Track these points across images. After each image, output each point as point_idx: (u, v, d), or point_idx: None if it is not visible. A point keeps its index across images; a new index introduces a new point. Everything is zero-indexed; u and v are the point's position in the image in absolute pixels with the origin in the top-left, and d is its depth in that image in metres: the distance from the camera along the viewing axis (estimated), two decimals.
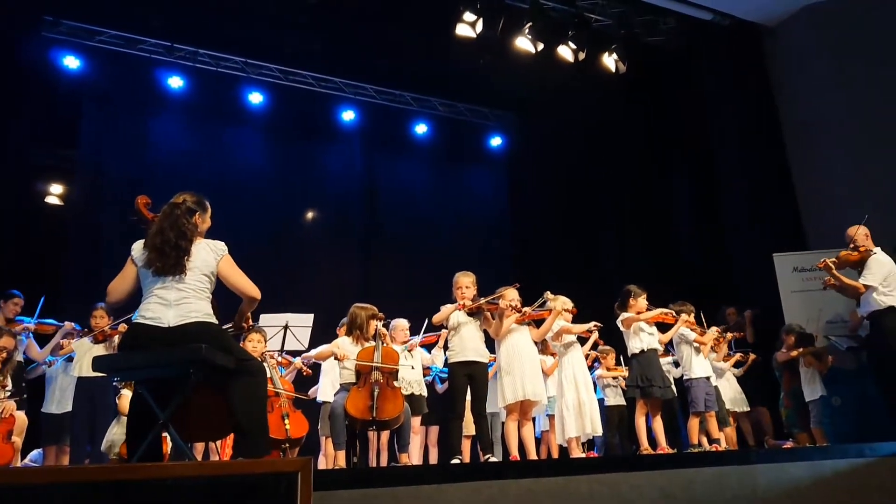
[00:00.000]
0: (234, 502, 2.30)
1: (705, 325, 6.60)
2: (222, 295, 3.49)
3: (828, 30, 8.80)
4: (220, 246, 3.43)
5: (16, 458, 4.87)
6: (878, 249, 6.05)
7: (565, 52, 8.88)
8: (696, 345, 6.19)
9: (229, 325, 3.71)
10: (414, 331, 6.69)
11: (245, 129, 9.88)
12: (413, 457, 6.10)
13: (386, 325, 6.03)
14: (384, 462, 6.35)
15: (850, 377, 7.06)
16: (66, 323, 6.05)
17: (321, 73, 9.99)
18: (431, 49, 9.00)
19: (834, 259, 6.10)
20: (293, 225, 9.92)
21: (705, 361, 6.23)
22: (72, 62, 8.63)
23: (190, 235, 3.34)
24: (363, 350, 5.23)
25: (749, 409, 7.35)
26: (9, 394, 4.95)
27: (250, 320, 3.74)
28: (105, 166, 8.80)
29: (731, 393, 7.22)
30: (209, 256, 3.36)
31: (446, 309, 5.28)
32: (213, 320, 3.31)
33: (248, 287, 3.43)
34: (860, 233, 6.12)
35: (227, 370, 3.21)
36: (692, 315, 6.33)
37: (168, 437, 4.01)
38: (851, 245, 6.15)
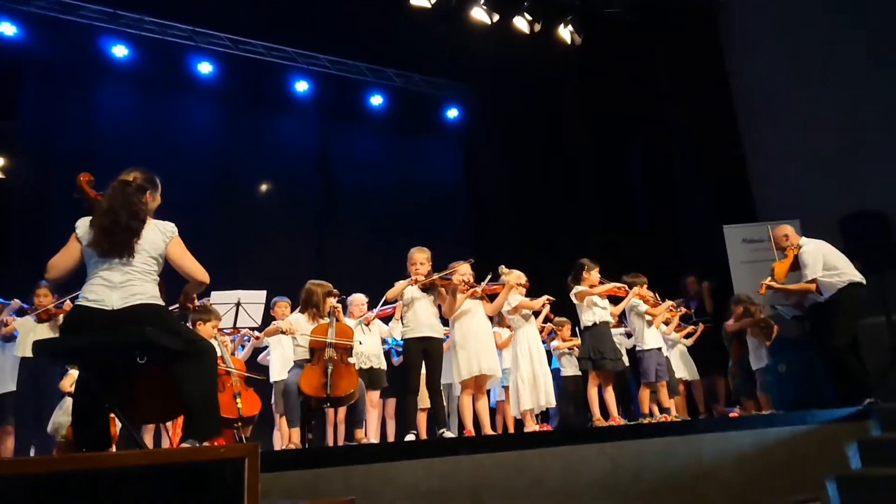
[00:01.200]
0: (182, 489, 2.27)
1: (657, 297, 6.70)
2: (168, 275, 3.41)
3: (778, 5, 8.89)
4: (170, 227, 3.33)
5: None
6: (803, 240, 6.13)
7: (521, 23, 8.83)
8: (647, 317, 6.30)
9: (175, 306, 3.63)
10: (371, 305, 6.66)
11: (195, 100, 9.61)
12: (371, 430, 6.12)
13: (343, 302, 5.98)
14: (341, 437, 6.36)
15: (796, 345, 7.27)
16: (14, 301, 5.83)
17: (273, 43, 9.73)
18: (387, 19, 8.85)
19: (770, 279, 6.19)
20: (246, 198, 9.72)
21: (657, 332, 6.36)
22: (7, 29, 8.22)
23: (142, 216, 3.24)
24: (317, 327, 5.19)
25: (699, 377, 7.54)
26: None
27: (196, 301, 3.66)
28: (48, 138, 8.45)
29: (682, 362, 7.39)
30: (158, 238, 3.26)
31: (399, 285, 5.28)
32: (160, 302, 3.23)
33: (196, 271, 3.34)
34: (779, 235, 6.25)
35: (175, 352, 3.15)
36: (644, 287, 6.44)
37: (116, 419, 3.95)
38: (779, 250, 6.29)
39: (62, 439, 5.00)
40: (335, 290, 5.51)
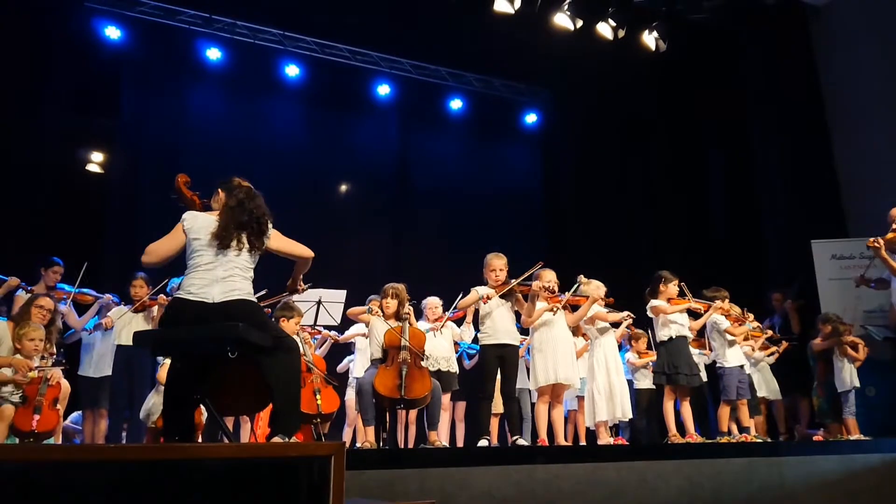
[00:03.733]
0: (269, 483, 2.36)
1: (744, 311, 6.50)
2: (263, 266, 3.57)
3: (876, 11, 8.52)
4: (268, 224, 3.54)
5: (60, 424, 5.03)
6: None
7: (605, 29, 8.73)
8: (728, 336, 6.12)
9: (284, 293, 3.81)
10: (445, 308, 6.71)
11: (281, 102, 9.90)
12: (441, 433, 6.16)
13: (416, 305, 6.05)
14: (412, 437, 6.43)
15: (886, 368, 6.95)
16: (106, 295, 6.15)
17: (357, 47, 9.94)
18: (468, 24, 8.90)
19: (882, 239, 5.93)
20: (327, 199, 9.95)
21: (739, 349, 6.17)
22: (113, 32, 8.69)
23: (270, 219, 3.49)
24: (391, 329, 5.26)
25: (781, 397, 7.28)
26: (53, 361, 5.09)
27: (302, 284, 3.88)
28: (144, 136, 8.88)
29: (764, 380, 7.15)
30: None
31: (473, 295, 5.29)
32: (254, 299, 3.40)
33: (302, 251, 3.61)
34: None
35: (263, 347, 3.27)
36: (726, 301, 6.26)
37: (203, 408, 4.13)
38: (894, 226, 6.01)
39: (152, 425, 5.25)
40: (408, 296, 5.57)
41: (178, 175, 3.67)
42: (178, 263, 3.52)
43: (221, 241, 3.30)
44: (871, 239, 6.03)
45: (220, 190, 3.55)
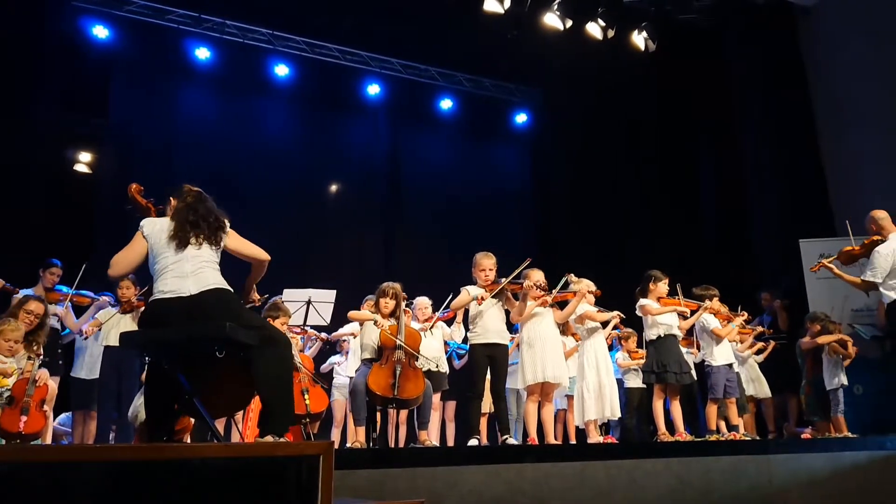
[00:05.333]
0: (259, 483, 2.35)
1: (730, 311, 6.52)
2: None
3: (865, 12, 8.57)
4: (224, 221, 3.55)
5: (47, 425, 4.99)
6: (891, 238, 5.81)
7: (594, 29, 8.76)
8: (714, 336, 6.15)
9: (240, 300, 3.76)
10: (435, 308, 6.72)
11: (271, 102, 9.89)
12: (431, 432, 6.17)
13: (408, 304, 6.05)
14: (403, 437, 6.43)
15: (873, 366, 7.00)
16: (103, 297, 6.12)
17: (347, 47, 9.94)
18: (458, 24, 8.91)
19: (833, 257, 5.98)
20: (317, 199, 9.94)
21: (728, 348, 6.20)
22: (101, 31, 8.65)
23: (221, 216, 3.48)
24: (388, 327, 5.26)
25: (770, 395, 7.32)
26: (41, 362, 5.05)
27: (257, 295, 3.81)
28: (133, 136, 8.84)
29: (753, 378, 7.19)
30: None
31: (465, 298, 5.28)
32: (229, 288, 3.38)
33: (257, 252, 3.56)
34: (873, 216, 5.96)
35: (252, 346, 3.24)
36: (716, 300, 6.28)
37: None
38: (857, 237, 6.06)
39: (140, 425, 5.21)
40: (405, 294, 5.59)
41: (130, 184, 3.70)
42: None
43: (179, 240, 3.32)
44: (815, 265, 6.07)
45: (171, 198, 3.58)
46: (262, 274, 3.66)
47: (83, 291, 6.12)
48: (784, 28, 9.31)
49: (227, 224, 3.51)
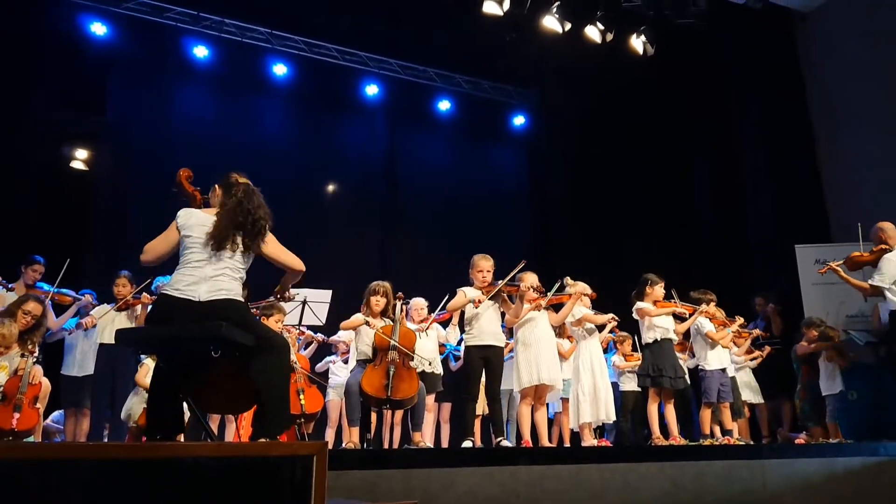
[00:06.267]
0: (252, 482, 2.34)
1: (725, 315, 6.54)
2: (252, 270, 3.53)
3: (862, 18, 8.60)
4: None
5: (40, 422, 4.98)
6: None
7: (593, 32, 8.77)
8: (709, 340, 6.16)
9: (269, 299, 3.74)
10: (431, 309, 6.71)
11: (269, 101, 9.87)
12: (425, 434, 6.15)
13: (404, 303, 6.04)
14: (397, 438, 6.42)
15: (868, 372, 7.01)
16: (84, 295, 6.07)
17: (346, 47, 9.93)
18: (457, 25, 8.91)
19: (841, 262, 6.05)
20: (313, 199, 9.90)
21: (721, 352, 6.21)
22: (99, 28, 8.62)
23: (269, 220, 3.43)
24: (383, 327, 5.26)
25: (763, 400, 7.33)
26: (36, 360, 5.04)
27: (290, 291, 3.84)
28: (130, 133, 8.81)
29: (748, 384, 7.20)
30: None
31: (462, 299, 5.28)
32: (241, 299, 3.36)
33: (294, 262, 3.53)
34: (880, 226, 6.06)
35: (247, 347, 3.23)
36: (713, 304, 6.29)
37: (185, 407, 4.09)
38: (866, 242, 6.12)
39: (134, 425, 5.21)
40: (400, 294, 5.58)
41: (180, 169, 3.65)
42: (166, 262, 3.48)
43: (218, 242, 3.27)
44: (824, 268, 6.16)
45: (217, 186, 3.51)
46: (295, 280, 3.67)
47: (64, 290, 5.99)
48: (780, 30, 9.34)
49: (269, 226, 3.44)
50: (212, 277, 3.23)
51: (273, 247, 3.46)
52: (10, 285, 5.85)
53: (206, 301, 3.20)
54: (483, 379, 5.32)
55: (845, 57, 8.79)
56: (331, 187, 10.24)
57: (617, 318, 6.20)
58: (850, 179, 8.56)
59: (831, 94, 8.97)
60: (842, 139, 8.76)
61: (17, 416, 4.71)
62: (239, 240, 3.30)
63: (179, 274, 3.26)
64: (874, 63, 8.46)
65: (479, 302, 5.16)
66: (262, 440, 3.02)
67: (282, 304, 5.68)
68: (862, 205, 8.07)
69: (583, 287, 5.77)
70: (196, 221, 3.33)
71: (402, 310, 5.47)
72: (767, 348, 7.37)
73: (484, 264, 5.28)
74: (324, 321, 6.25)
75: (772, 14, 9.23)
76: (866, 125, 8.49)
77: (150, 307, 4.01)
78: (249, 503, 2.30)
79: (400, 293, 5.57)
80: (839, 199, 8.70)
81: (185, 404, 3.45)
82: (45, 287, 5.97)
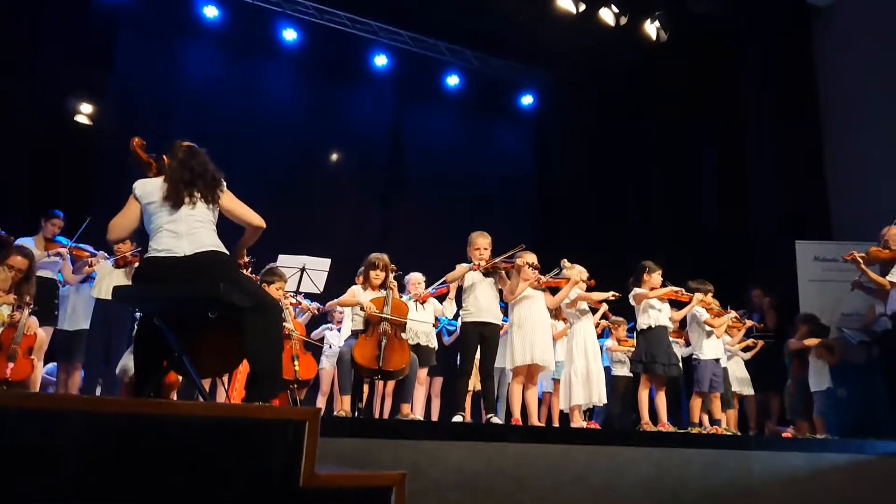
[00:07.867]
0: (244, 444, 2.35)
1: (721, 307, 6.55)
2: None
3: (878, 16, 8.52)
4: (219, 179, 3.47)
5: (35, 373, 5.00)
6: None
7: (607, 15, 8.69)
8: (707, 327, 6.18)
9: None
10: (428, 284, 6.71)
11: (276, 65, 9.80)
12: (416, 407, 6.20)
13: (400, 278, 6.05)
14: (387, 409, 6.46)
15: (858, 371, 7.05)
16: (100, 252, 6.06)
17: (357, 15, 9.83)
18: (471, 0, 8.82)
19: (863, 254, 6.05)
20: (317, 167, 9.88)
21: (717, 343, 6.23)
22: None
23: (217, 173, 3.40)
24: (373, 299, 5.27)
25: (753, 392, 7.37)
26: (31, 311, 5.05)
27: (245, 258, 3.78)
28: (136, 91, 8.76)
29: (738, 375, 7.23)
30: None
31: (461, 269, 5.30)
32: (225, 250, 3.34)
33: (252, 217, 3.45)
34: (892, 233, 6.07)
35: (244, 309, 3.22)
36: (710, 295, 6.31)
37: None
38: (884, 243, 6.10)
39: (128, 381, 5.22)
40: (393, 266, 5.57)
41: (133, 138, 3.59)
42: None
43: (173, 201, 3.27)
44: (848, 255, 6.16)
45: (164, 156, 3.49)
46: (254, 239, 3.57)
47: (83, 245, 6.05)
48: (796, 26, 9.25)
49: (223, 182, 3.44)
50: (189, 233, 3.23)
51: (229, 199, 3.42)
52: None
53: (190, 255, 3.19)
54: (477, 355, 5.35)
55: (858, 56, 8.71)
56: (334, 156, 10.20)
57: (617, 294, 6.16)
58: (856, 178, 8.52)
59: (842, 91, 8.90)
60: (850, 138, 8.71)
61: (11, 365, 4.73)
62: (197, 193, 3.30)
63: (156, 239, 3.26)
64: (885, 62, 8.39)
65: (478, 266, 5.17)
66: (256, 403, 3.03)
67: (282, 271, 5.71)
68: (867, 204, 8.05)
69: (579, 271, 5.78)
70: (152, 188, 3.33)
71: (394, 281, 5.45)
72: (761, 342, 7.40)
73: (481, 241, 5.28)
74: (321, 289, 6.26)
75: (788, 6, 9.12)
76: (875, 126, 8.44)
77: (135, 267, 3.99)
78: (240, 464, 2.31)
79: (393, 265, 5.56)
80: (843, 197, 8.68)
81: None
82: (64, 241, 6.00)
